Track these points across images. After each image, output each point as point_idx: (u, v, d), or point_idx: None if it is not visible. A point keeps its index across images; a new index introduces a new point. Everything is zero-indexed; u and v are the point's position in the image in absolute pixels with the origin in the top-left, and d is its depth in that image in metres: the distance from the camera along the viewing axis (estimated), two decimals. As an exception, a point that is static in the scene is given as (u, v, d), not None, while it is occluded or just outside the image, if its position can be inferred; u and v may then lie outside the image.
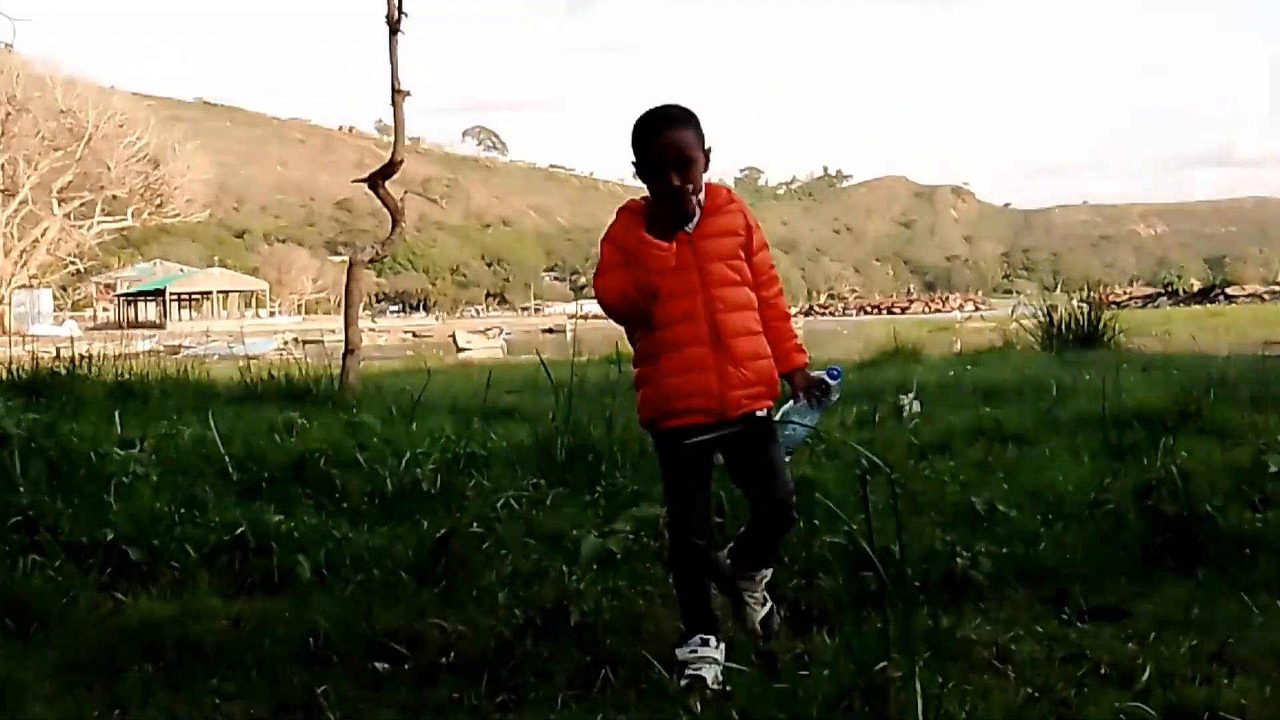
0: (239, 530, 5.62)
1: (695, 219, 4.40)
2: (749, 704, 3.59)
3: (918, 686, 2.78)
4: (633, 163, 4.51)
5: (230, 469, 7.21)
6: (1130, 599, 5.03)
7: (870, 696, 2.80)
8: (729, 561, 4.65)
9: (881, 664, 2.86)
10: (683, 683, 4.07)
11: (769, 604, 4.70)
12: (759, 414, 4.44)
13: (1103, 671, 4.10)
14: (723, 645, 4.30)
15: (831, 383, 4.61)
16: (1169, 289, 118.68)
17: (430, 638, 4.46)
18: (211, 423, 8.25)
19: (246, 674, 4.18)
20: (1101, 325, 19.43)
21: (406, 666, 4.27)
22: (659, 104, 4.59)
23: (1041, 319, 20.55)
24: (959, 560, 5.31)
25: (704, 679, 4.09)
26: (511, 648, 4.35)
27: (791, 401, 4.65)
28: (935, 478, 7.24)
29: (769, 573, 4.70)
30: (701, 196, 4.45)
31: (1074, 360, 15.30)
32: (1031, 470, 7.33)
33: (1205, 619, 4.66)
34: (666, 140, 4.37)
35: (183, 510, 6.09)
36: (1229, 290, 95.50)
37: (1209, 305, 75.80)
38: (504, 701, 3.94)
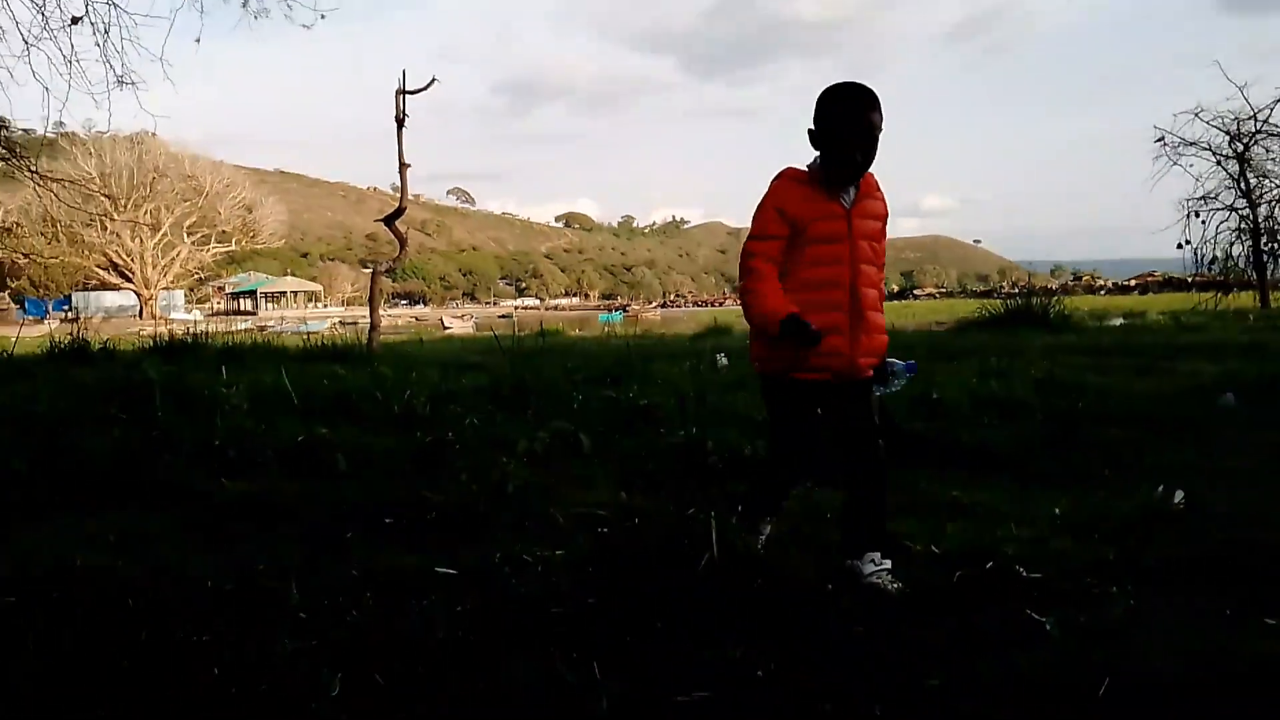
0: (299, 439, 5.53)
1: (852, 197, 3.28)
2: (615, 533, 3.45)
3: (713, 521, 2.80)
4: (812, 129, 3.28)
5: (295, 400, 7.09)
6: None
7: (686, 528, 2.81)
8: (848, 561, 3.24)
9: (691, 509, 2.88)
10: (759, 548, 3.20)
11: (897, 583, 3.15)
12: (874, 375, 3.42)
13: (829, 515, 4.01)
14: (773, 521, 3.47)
15: (899, 368, 3.51)
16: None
17: (422, 503, 4.42)
18: (283, 372, 8.10)
19: (301, 526, 4.12)
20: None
21: (405, 521, 4.24)
22: (853, 80, 3.42)
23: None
24: (747, 451, 5.36)
25: (759, 534, 3.32)
26: (472, 507, 4.32)
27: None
28: (735, 402, 7.29)
29: (888, 563, 3.21)
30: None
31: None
32: (792, 398, 7.41)
33: (892, 485, 4.73)
34: (873, 118, 3.24)
35: (263, 426, 5.96)
36: (915, 292, 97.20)
37: (903, 301, 77.34)
38: (466, 540, 3.89)
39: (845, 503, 3.39)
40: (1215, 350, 10.14)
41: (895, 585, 3.13)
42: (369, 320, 13.45)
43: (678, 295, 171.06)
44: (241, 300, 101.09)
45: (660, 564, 2.75)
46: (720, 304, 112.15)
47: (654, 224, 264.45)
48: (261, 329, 28.85)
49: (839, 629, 2.59)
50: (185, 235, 77.46)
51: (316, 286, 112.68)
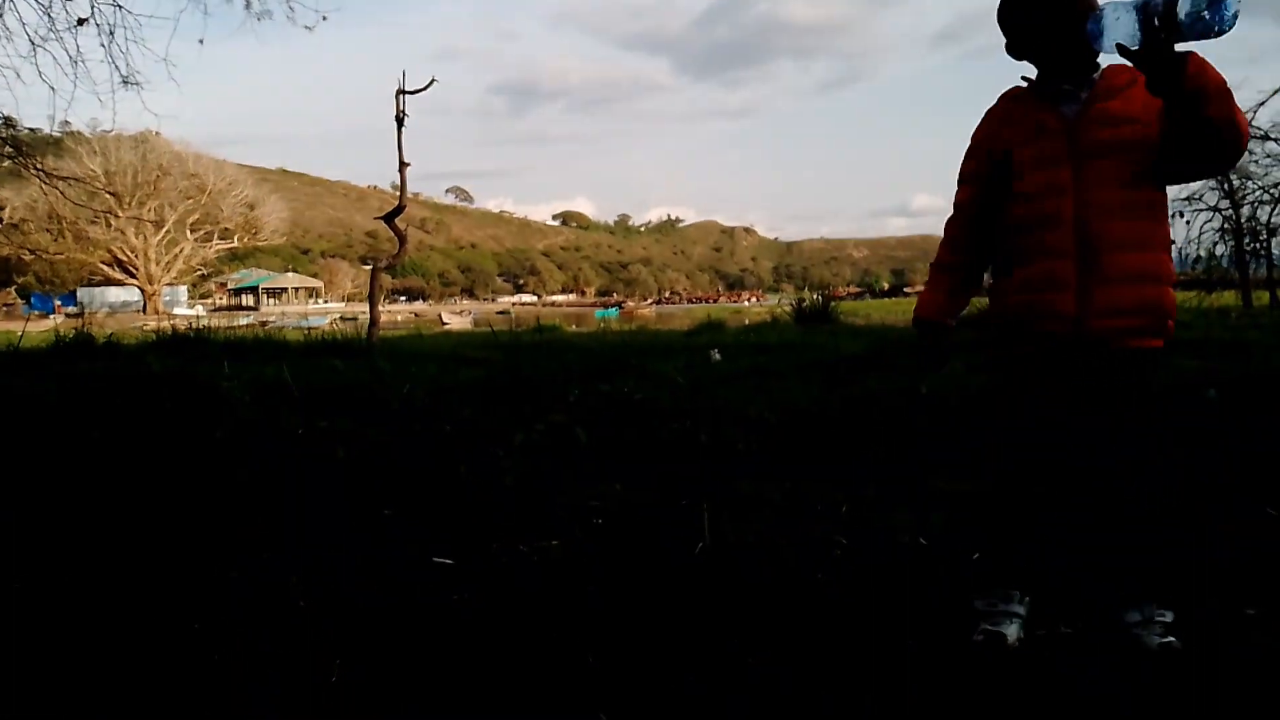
0: (299, 431, 5.53)
1: (1082, 102, 2.38)
2: (610, 524, 3.42)
3: (705, 512, 2.79)
4: (1009, 42, 2.50)
5: (295, 393, 7.08)
6: (839, 467, 5.06)
7: (679, 520, 2.80)
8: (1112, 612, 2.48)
9: (685, 500, 2.86)
10: (978, 636, 2.38)
11: (1170, 636, 2.37)
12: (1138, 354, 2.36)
13: (819, 508, 4.04)
14: (1028, 601, 2.50)
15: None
16: (871, 289, 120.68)
17: (418, 495, 4.41)
18: (284, 366, 8.10)
19: (301, 516, 4.11)
20: (830, 309, 19.73)
21: (402, 513, 4.22)
22: None
23: (794, 306, 20.86)
24: (740, 445, 5.35)
25: (1003, 635, 2.38)
26: (468, 500, 4.32)
27: None
28: (728, 397, 7.30)
29: (1167, 615, 2.42)
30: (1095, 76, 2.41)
31: (813, 330, 15.52)
32: (782, 392, 7.41)
33: (883, 477, 4.69)
34: None
35: (264, 417, 5.98)
36: (906, 289, 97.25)
37: (894, 298, 77.39)
38: (464, 530, 3.89)
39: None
40: (1199, 347, 10.14)
41: (1160, 642, 2.35)
42: (369, 315, 13.44)
43: (673, 292, 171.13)
44: (244, 296, 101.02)
45: (655, 554, 2.74)
46: (714, 300, 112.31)
47: (650, 222, 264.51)
48: (263, 324, 28.79)
49: (831, 619, 2.58)
50: (188, 232, 77.35)
51: (317, 282, 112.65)
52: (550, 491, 4.47)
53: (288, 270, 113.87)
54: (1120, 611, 2.46)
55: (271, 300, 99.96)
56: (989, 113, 2.56)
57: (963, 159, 2.58)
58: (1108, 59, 2.31)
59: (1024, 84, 2.51)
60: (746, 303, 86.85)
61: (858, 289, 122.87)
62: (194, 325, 12.62)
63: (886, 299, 77.17)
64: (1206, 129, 2.17)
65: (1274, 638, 2.39)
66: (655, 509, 2.92)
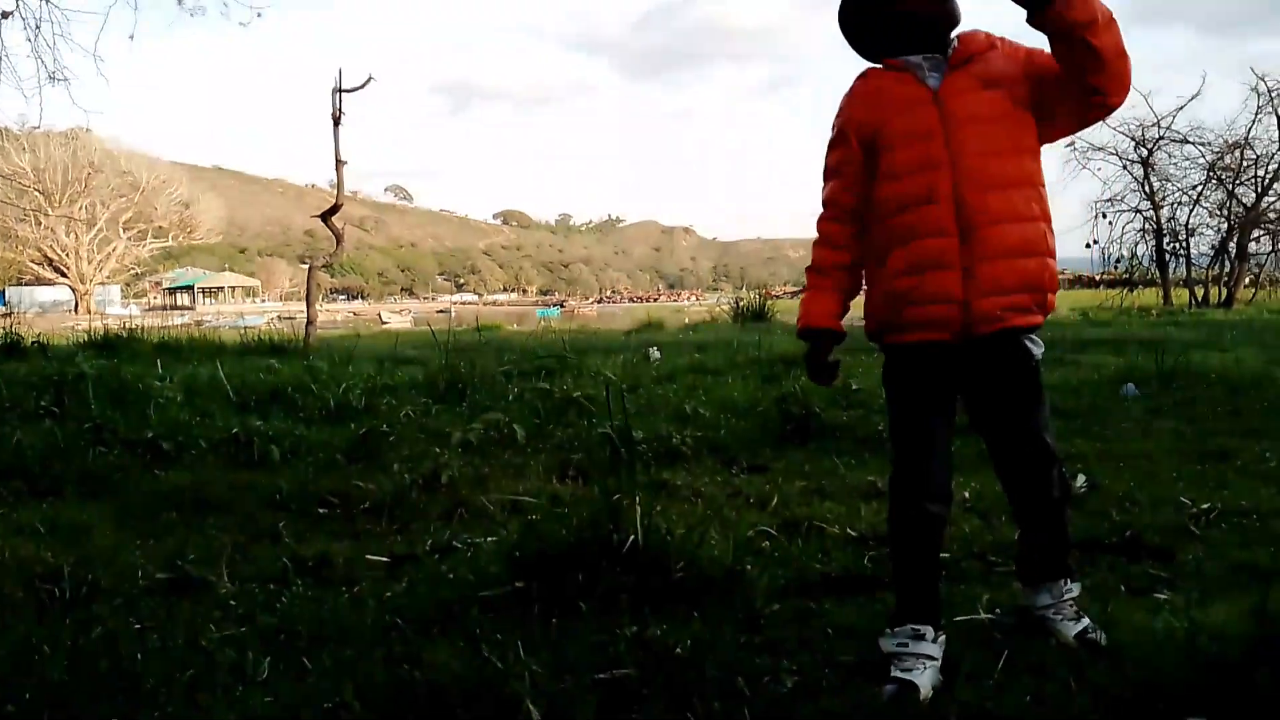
0: (234, 431, 5.43)
1: (944, 71, 2.24)
2: (543, 519, 3.38)
3: (638, 507, 2.80)
4: (858, 45, 2.41)
5: (230, 394, 6.95)
6: (772, 461, 5.13)
7: (611, 514, 2.81)
8: (1021, 586, 2.53)
9: (617, 495, 2.88)
10: (888, 687, 2.14)
11: (1084, 619, 2.42)
12: (1026, 342, 2.29)
13: (750, 500, 4.16)
14: (942, 638, 2.29)
15: None
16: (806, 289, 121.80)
17: (354, 494, 4.34)
18: (219, 365, 7.96)
19: (234, 517, 4.04)
20: (766, 308, 19.94)
21: (338, 511, 4.18)
22: None
23: (733, 305, 21.07)
24: (675, 440, 5.40)
25: (915, 685, 2.14)
26: (404, 498, 4.28)
27: None
28: (665, 394, 7.35)
29: (1075, 589, 2.46)
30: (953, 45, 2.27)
31: (750, 328, 15.66)
32: (720, 389, 7.47)
33: (813, 471, 4.78)
34: None
35: (198, 418, 5.86)
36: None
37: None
38: (398, 529, 3.88)
39: (1019, 534, 2.52)
40: (1119, 344, 10.43)
41: (1083, 627, 2.37)
42: (306, 315, 13.25)
43: (614, 291, 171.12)
44: (179, 295, 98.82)
45: (587, 549, 2.75)
46: (655, 300, 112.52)
47: (590, 222, 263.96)
48: (198, 324, 28.22)
49: (756, 609, 2.61)
50: (121, 231, 75.33)
51: (254, 282, 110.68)
52: (487, 489, 4.46)
53: (224, 269, 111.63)
54: (1032, 599, 2.45)
55: (208, 300, 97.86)
56: (848, 97, 2.37)
57: (826, 151, 2.40)
58: (959, 30, 2.28)
59: (878, 66, 2.37)
60: (686, 302, 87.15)
61: (794, 289, 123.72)
62: (127, 325, 12.36)
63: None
64: (1093, 59, 2.07)
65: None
66: (589, 505, 2.93)
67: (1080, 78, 2.11)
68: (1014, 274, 2.20)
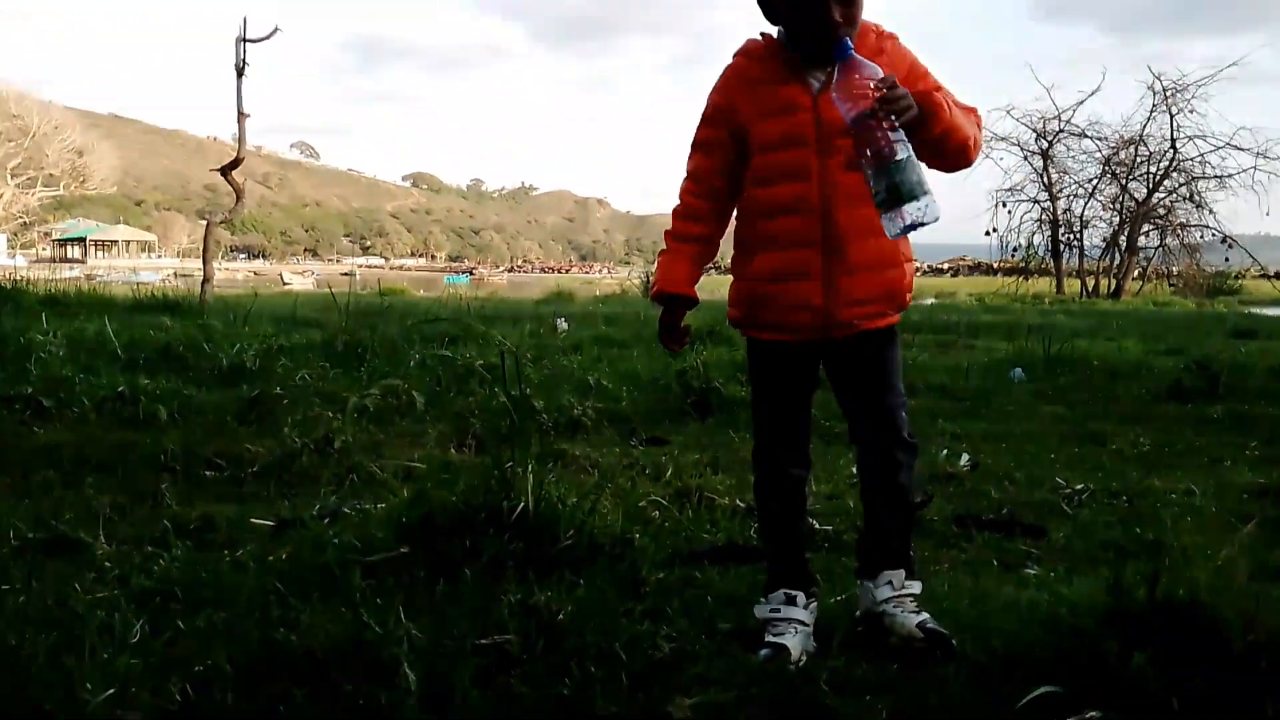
0: (120, 389, 5.25)
1: (826, 75, 2.15)
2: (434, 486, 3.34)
3: (529, 474, 2.80)
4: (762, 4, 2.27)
5: (118, 351, 6.73)
6: (671, 434, 5.19)
7: (503, 482, 2.81)
8: (861, 582, 2.41)
9: (509, 463, 2.87)
10: (762, 652, 2.17)
11: (923, 613, 2.30)
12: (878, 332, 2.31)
13: (647, 471, 4.20)
14: (814, 605, 2.34)
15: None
16: (716, 265, 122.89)
17: (243, 457, 4.24)
18: (107, 322, 7.68)
19: (116, 477, 3.92)
20: (676, 283, 20.05)
21: (225, 474, 4.08)
22: None
23: (644, 279, 21.20)
24: (576, 411, 5.41)
25: (787, 648, 2.18)
26: (294, 461, 4.20)
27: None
28: (570, 365, 7.35)
29: (915, 586, 2.36)
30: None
31: (658, 302, 15.73)
32: (625, 362, 7.51)
33: (710, 444, 4.85)
34: None
35: (82, 375, 5.65)
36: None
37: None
38: (286, 493, 3.80)
39: (865, 521, 2.49)
40: (1011, 330, 10.79)
41: (923, 618, 2.27)
42: (203, 272, 12.84)
43: (525, 261, 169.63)
44: (69, 248, 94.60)
45: (476, 516, 2.75)
46: (567, 271, 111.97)
47: (503, 189, 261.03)
48: (90, 278, 27.15)
49: (642, 577, 2.64)
50: (9, 177, 71.75)
51: (151, 236, 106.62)
52: (381, 455, 4.41)
53: (119, 222, 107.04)
54: (872, 594, 2.35)
55: (101, 253, 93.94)
56: (728, 74, 2.32)
57: (699, 123, 2.37)
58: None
59: (760, 39, 2.31)
60: (598, 274, 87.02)
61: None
62: (12, 277, 11.81)
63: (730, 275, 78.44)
64: (941, 145, 2.17)
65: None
66: (481, 472, 2.92)
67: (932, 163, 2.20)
68: (875, 285, 2.26)
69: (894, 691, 2.02)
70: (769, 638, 2.24)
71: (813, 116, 2.19)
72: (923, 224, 2.03)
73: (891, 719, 1.92)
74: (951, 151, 2.19)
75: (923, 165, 2.07)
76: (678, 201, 2.42)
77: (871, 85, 2.01)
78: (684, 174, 2.41)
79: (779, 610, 2.29)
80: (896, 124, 2.01)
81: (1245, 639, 1.97)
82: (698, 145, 2.37)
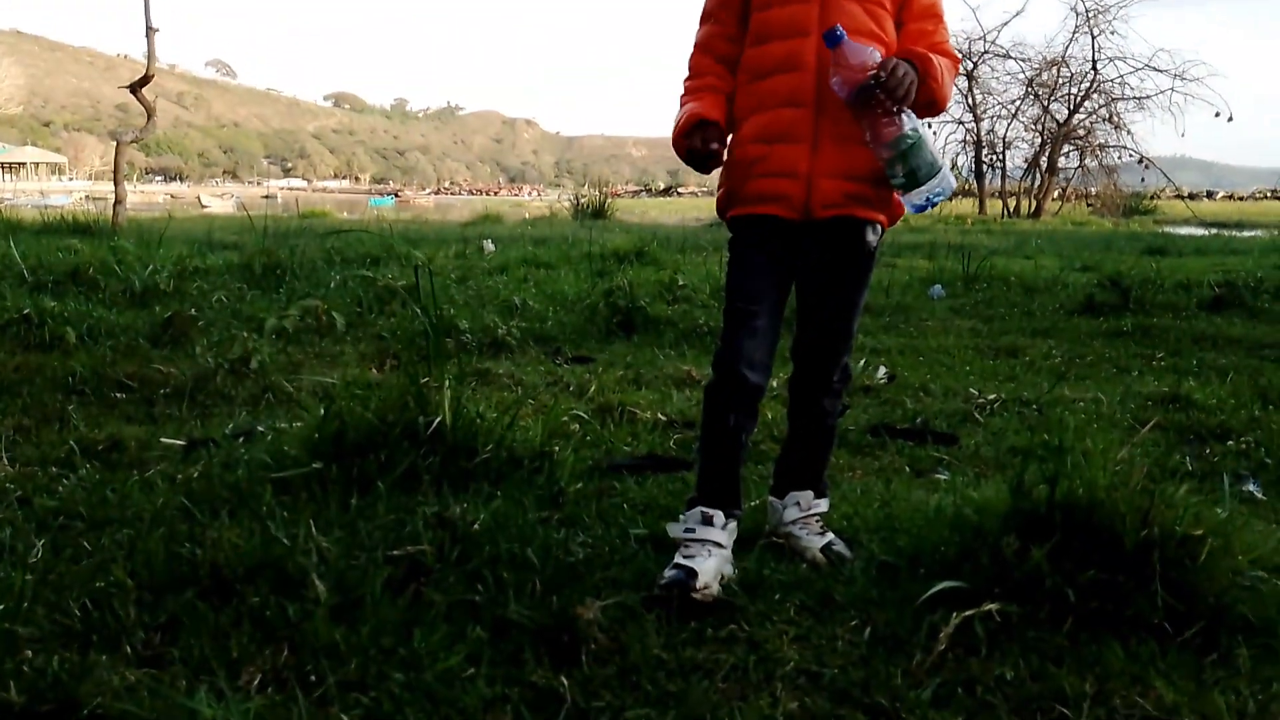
0: (25, 311, 5.04)
1: None
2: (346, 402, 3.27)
3: (446, 391, 2.77)
4: None
5: (25, 274, 6.46)
6: (596, 352, 5.16)
7: (419, 399, 2.77)
8: (770, 499, 2.44)
9: (426, 379, 2.82)
10: (667, 573, 2.06)
11: (829, 534, 2.36)
12: (866, 230, 2.21)
13: (571, 388, 4.19)
14: (734, 525, 2.22)
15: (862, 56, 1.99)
16: (647, 188, 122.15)
17: (155, 378, 4.11)
18: (12, 244, 7.36)
19: (22, 400, 3.77)
20: (606, 206, 19.94)
21: (136, 395, 3.95)
22: None
23: (573, 202, 20.97)
24: (500, 331, 5.36)
25: (694, 574, 2.03)
26: (209, 382, 4.09)
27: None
28: (496, 286, 7.27)
29: (822, 504, 2.40)
30: None
31: (588, 225, 15.62)
32: (551, 283, 7.44)
33: (634, 362, 4.84)
34: None
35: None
36: (680, 189, 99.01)
37: (668, 197, 78.72)
38: (199, 414, 3.70)
39: (787, 437, 2.47)
40: (933, 249, 10.92)
41: (828, 540, 2.29)
42: (114, 194, 12.34)
43: (452, 183, 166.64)
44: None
45: (391, 431, 2.71)
46: (495, 193, 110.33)
47: (428, 109, 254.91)
48: (-4, 202, 26.03)
49: (560, 489, 2.64)
50: (-99, 96, 67.91)
51: (60, 158, 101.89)
52: (298, 375, 4.32)
53: (26, 144, 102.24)
54: (779, 514, 2.37)
55: (7, 176, 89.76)
56: None
57: None
58: None
59: None
60: (527, 197, 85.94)
61: (635, 188, 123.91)
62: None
63: (661, 198, 78.33)
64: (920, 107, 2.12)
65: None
66: (398, 390, 2.87)
67: None
68: (862, 161, 2.11)
69: (802, 589, 2.06)
70: (679, 559, 2.09)
71: None
72: (941, 198, 2.05)
73: (799, 615, 1.96)
74: (923, 107, 2.12)
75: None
76: (685, 74, 2.28)
77: (868, 73, 1.96)
78: (691, 48, 2.29)
79: (693, 530, 2.14)
80: (902, 108, 2.00)
81: (1138, 535, 2.03)
82: (707, 15, 2.27)
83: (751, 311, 2.15)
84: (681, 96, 2.25)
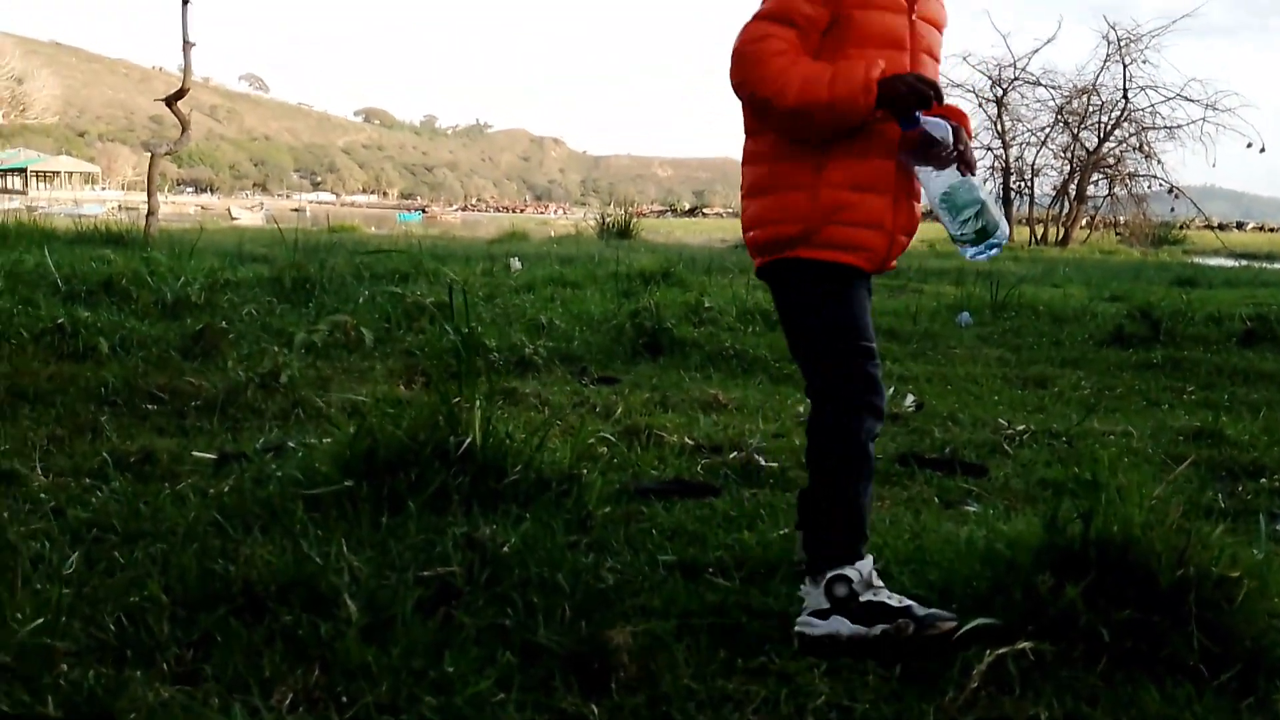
0: (59, 321, 5.10)
1: None
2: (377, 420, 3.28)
3: (477, 410, 2.77)
4: None
5: (59, 283, 6.54)
6: (622, 373, 5.17)
7: (450, 417, 2.78)
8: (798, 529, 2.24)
9: (457, 399, 2.84)
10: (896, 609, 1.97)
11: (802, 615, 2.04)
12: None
13: (597, 409, 4.19)
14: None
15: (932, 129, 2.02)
16: (672, 208, 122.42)
17: (186, 390, 4.15)
18: (47, 254, 7.46)
19: (54, 409, 3.82)
20: (632, 226, 20.04)
21: (167, 407, 3.99)
22: None
23: (599, 221, 21.10)
24: (527, 350, 5.37)
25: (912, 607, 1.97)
26: (239, 395, 4.12)
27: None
28: (522, 304, 7.30)
29: (815, 594, 2.04)
30: None
31: (614, 244, 15.69)
32: (578, 302, 7.46)
33: (660, 384, 4.85)
34: None
35: (20, 307, 5.50)
36: (705, 210, 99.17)
37: (693, 218, 78.85)
38: (229, 427, 3.73)
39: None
40: (960, 275, 10.87)
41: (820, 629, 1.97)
42: (147, 205, 12.52)
43: (479, 199, 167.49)
44: (9, 179, 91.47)
45: (422, 450, 2.72)
46: (521, 211, 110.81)
47: (457, 126, 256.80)
48: (30, 210, 26.38)
49: (588, 512, 2.64)
50: (-57, 105, 69.16)
51: (94, 168, 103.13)
52: (328, 390, 4.35)
53: (61, 153, 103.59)
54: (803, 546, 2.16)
55: (42, 185, 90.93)
56: None
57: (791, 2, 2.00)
58: None
59: None
60: (553, 215, 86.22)
61: (661, 208, 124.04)
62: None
63: (687, 218, 78.49)
64: None
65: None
66: (429, 407, 2.88)
67: None
68: (915, 216, 2.16)
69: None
70: (886, 599, 1.98)
71: (907, 17, 2.06)
72: (997, 250, 2.14)
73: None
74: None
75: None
76: (759, 52, 1.98)
77: (946, 151, 2.03)
78: (759, 35, 2.00)
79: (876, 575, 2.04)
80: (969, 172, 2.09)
81: (1174, 575, 2.01)
82: (786, 17, 2.00)
83: (873, 350, 2.13)
84: (772, 57, 1.96)
